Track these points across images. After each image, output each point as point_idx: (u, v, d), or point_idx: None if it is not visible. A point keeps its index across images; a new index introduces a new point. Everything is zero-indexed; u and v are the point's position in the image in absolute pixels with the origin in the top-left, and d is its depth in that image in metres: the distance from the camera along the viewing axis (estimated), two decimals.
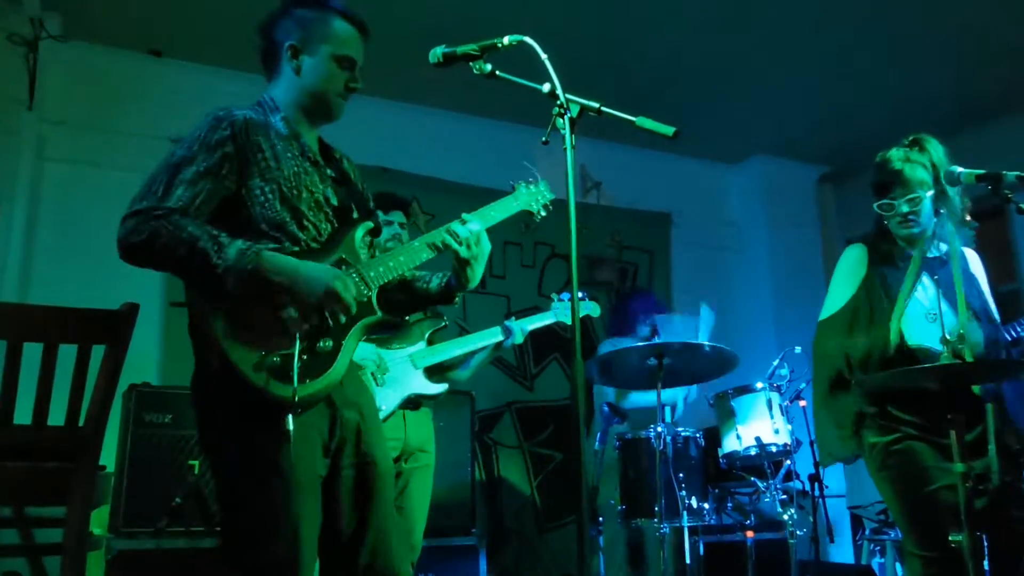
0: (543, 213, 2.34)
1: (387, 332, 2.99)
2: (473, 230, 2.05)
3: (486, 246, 2.08)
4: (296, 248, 1.90)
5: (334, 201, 2.02)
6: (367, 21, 2.10)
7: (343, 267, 1.93)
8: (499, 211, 2.22)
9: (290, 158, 1.96)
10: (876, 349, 2.45)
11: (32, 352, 2.40)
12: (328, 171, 2.07)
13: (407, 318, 2.80)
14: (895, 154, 2.57)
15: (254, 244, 1.80)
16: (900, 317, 2.45)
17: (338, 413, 1.92)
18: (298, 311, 1.81)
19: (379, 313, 1.96)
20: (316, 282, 1.81)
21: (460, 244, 2.03)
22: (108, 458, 3.10)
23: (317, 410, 1.87)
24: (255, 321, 1.78)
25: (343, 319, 1.88)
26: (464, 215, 2.08)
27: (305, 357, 1.79)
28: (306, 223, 1.94)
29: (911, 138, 2.60)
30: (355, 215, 2.06)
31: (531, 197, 2.33)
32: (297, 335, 1.79)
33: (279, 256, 1.82)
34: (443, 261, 2.11)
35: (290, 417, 1.75)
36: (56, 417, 2.46)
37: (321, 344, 1.84)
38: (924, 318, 2.49)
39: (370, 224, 2.05)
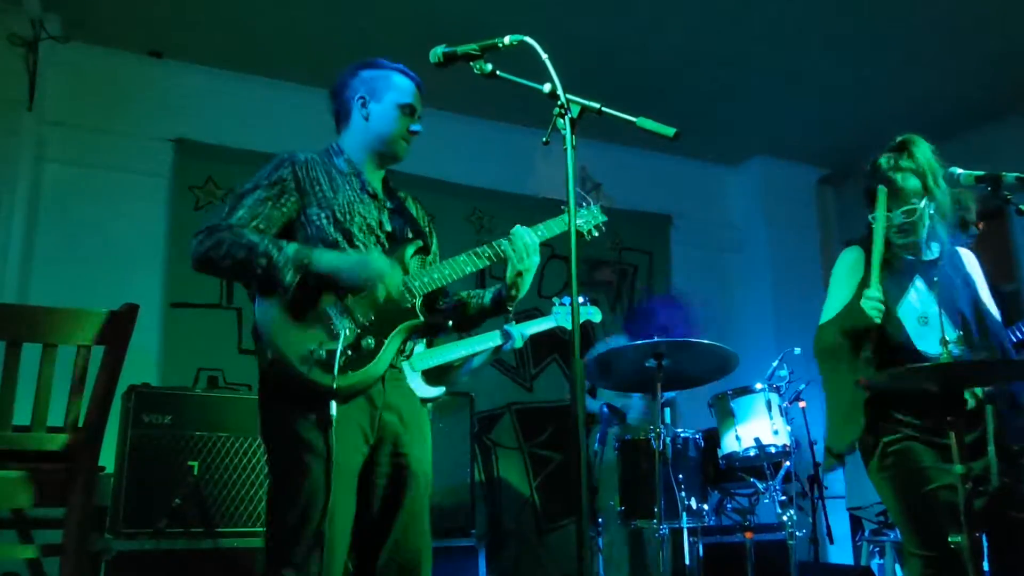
0: (595, 233, 2.53)
1: (431, 336, 3.11)
2: (520, 245, 2.23)
3: (534, 260, 2.26)
4: None
5: (388, 227, 2.27)
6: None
7: None
8: (546, 230, 2.36)
9: (348, 190, 2.22)
10: (857, 320, 2.43)
11: (31, 353, 2.40)
12: (388, 204, 2.32)
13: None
14: (884, 163, 2.54)
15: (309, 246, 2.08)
16: (875, 284, 2.41)
17: (379, 414, 2.11)
18: (351, 292, 2.07)
19: (421, 318, 2.18)
20: (360, 264, 2.07)
21: (513, 257, 2.24)
22: (107, 459, 3.10)
23: (359, 407, 2.07)
24: (307, 320, 2.05)
25: (393, 287, 2.08)
26: (512, 230, 2.27)
27: (350, 352, 2.03)
28: (357, 243, 2.17)
29: (898, 141, 2.57)
30: (409, 236, 2.29)
31: (582, 219, 2.51)
32: (343, 332, 2.03)
33: (328, 251, 2.09)
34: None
35: (333, 403, 1.97)
36: (55, 418, 2.46)
37: (365, 342, 2.06)
38: (916, 321, 2.48)
39: (419, 243, 2.29)
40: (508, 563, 5.19)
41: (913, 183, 2.50)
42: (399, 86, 2.30)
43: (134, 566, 3.23)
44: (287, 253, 2.01)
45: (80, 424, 2.48)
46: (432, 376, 3.09)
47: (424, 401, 3.06)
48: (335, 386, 1.97)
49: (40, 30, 4.47)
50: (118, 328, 2.50)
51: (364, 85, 2.30)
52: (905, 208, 2.49)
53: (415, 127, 2.30)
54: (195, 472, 3.41)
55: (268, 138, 4.61)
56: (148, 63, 4.96)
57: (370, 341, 2.07)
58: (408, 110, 2.29)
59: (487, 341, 3.27)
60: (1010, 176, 2.34)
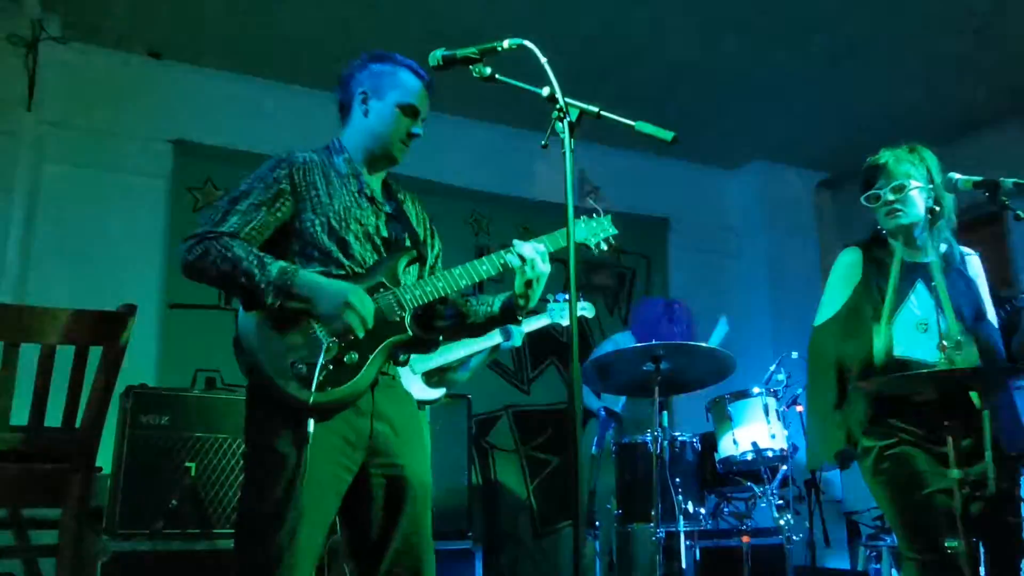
0: (603, 247, 2.37)
1: (421, 351, 2.98)
2: (526, 255, 2.13)
3: (544, 269, 2.16)
4: (342, 272, 2.08)
5: (384, 233, 2.19)
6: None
7: (381, 290, 2.09)
8: (550, 243, 2.23)
9: (345, 194, 2.15)
10: (862, 359, 2.45)
11: (29, 353, 2.40)
12: (386, 208, 2.24)
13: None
14: (885, 151, 2.60)
15: (295, 266, 2.02)
16: (888, 322, 2.44)
17: (369, 424, 2.06)
18: (322, 323, 1.98)
19: (410, 333, 2.10)
20: (335, 296, 1.97)
21: (525, 267, 2.14)
22: (104, 460, 3.10)
23: (345, 419, 2.02)
24: (290, 331, 1.98)
25: (361, 333, 1.99)
26: (516, 241, 2.16)
27: (331, 367, 1.96)
28: (352, 252, 2.11)
29: (906, 145, 2.62)
30: (406, 245, 2.22)
31: (590, 231, 2.35)
32: (324, 346, 1.95)
33: (310, 274, 2.02)
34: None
35: (311, 421, 1.91)
36: (53, 418, 2.46)
37: (348, 357, 1.99)
38: (915, 328, 2.48)
39: (414, 254, 2.21)
40: (505, 566, 5.19)
41: (907, 168, 2.54)
42: (404, 85, 2.21)
43: (131, 567, 3.22)
44: (270, 274, 1.96)
45: (77, 424, 2.48)
46: (432, 377, 3.09)
47: (424, 403, 3.06)
48: (311, 402, 1.91)
49: (40, 31, 4.47)
50: (116, 329, 2.51)
51: (369, 79, 2.22)
52: (894, 184, 2.51)
53: (415, 130, 2.22)
54: (192, 473, 3.41)
55: (267, 140, 4.61)
56: (147, 64, 4.96)
57: (354, 356, 2.00)
58: (410, 111, 2.21)
59: (487, 340, 3.27)
60: (1008, 182, 2.34)
